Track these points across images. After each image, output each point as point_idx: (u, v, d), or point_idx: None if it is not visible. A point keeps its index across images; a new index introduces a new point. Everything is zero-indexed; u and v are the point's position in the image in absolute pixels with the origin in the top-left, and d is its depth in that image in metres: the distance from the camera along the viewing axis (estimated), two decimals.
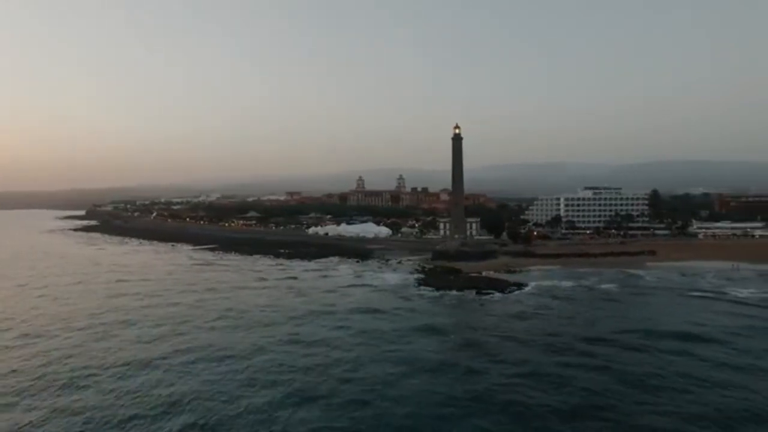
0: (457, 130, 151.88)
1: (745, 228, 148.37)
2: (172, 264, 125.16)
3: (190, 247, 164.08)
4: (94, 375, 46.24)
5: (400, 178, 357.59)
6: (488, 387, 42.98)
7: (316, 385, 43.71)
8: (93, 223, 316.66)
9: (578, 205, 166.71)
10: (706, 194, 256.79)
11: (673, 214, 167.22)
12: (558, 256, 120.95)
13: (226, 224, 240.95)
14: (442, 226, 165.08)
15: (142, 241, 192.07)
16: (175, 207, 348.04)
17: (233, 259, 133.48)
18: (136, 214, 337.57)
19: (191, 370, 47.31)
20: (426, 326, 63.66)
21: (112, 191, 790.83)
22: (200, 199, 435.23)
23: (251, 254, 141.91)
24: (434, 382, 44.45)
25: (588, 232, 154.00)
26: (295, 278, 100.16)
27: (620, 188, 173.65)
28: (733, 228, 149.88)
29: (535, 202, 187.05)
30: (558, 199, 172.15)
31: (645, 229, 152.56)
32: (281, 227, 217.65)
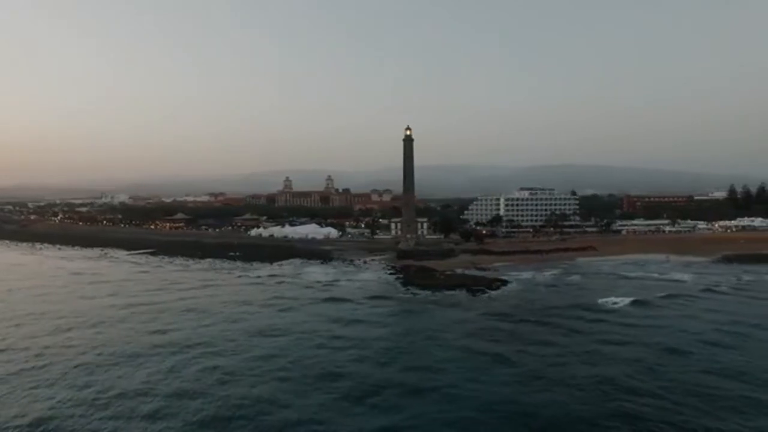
0: (408, 132, 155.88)
1: (657, 225, 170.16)
2: (132, 269, 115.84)
3: (125, 252, 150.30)
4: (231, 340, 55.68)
5: (329, 179, 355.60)
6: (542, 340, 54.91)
7: (379, 351, 51.28)
8: None
9: (517, 205, 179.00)
10: (611, 195, 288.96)
11: (598, 213, 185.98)
12: (513, 253, 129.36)
13: (153, 227, 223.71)
14: (393, 226, 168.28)
15: (60, 246, 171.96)
16: (81, 209, 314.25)
17: (187, 263, 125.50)
18: (33, 217, 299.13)
19: (260, 344, 53.99)
20: (447, 303, 72.46)
21: None
22: (106, 200, 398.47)
23: (202, 257, 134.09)
24: (491, 343, 54.10)
25: (530, 230, 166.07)
26: (282, 276, 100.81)
27: (553, 189, 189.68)
28: (647, 225, 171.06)
29: (475, 202, 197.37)
30: (498, 199, 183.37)
31: (577, 227, 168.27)
32: (217, 230, 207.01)
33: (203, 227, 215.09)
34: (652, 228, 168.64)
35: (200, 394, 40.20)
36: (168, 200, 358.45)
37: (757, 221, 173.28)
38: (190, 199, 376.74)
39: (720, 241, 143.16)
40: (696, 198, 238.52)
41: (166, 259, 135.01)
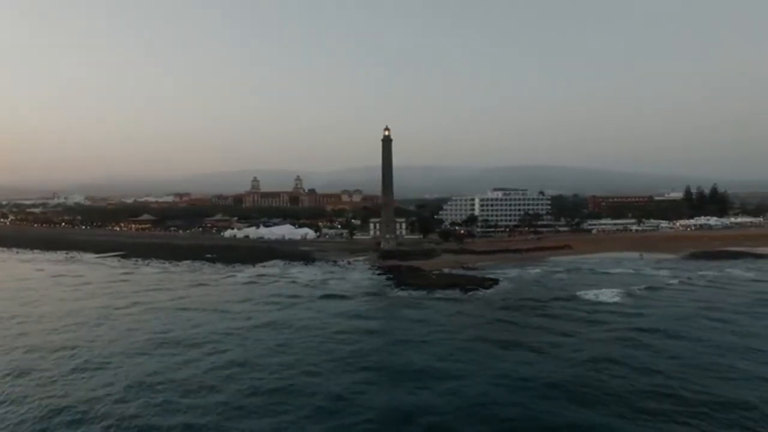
0: (386, 132, 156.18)
1: (625, 224, 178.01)
2: (111, 271, 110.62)
3: (94, 255, 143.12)
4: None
5: (298, 179, 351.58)
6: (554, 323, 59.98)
7: (394, 341, 52.44)
8: None
9: (491, 205, 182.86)
10: (576, 195, 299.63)
11: (568, 212, 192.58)
12: (494, 252, 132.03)
13: (117, 228, 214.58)
14: (372, 226, 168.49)
15: (18, 249, 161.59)
16: (33, 210, 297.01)
17: (164, 266, 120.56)
18: None
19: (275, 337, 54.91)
20: (447, 301, 74.17)
21: None
22: (60, 200, 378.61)
23: (179, 260, 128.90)
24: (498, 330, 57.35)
25: (506, 230, 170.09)
26: (273, 276, 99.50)
27: (526, 189, 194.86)
28: (615, 224, 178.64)
29: (449, 202, 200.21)
30: (472, 199, 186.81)
31: (550, 226, 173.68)
32: (187, 231, 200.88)
33: (172, 228, 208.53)
34: (620, 227, 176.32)
35: (235, 385, 40.76)
36: (129, 201, 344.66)
37: (713, 220, 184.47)
38: (152, 199, 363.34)
39: (683, 239, 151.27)
40: (655, 198, 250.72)
41: (141, 261, 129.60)
